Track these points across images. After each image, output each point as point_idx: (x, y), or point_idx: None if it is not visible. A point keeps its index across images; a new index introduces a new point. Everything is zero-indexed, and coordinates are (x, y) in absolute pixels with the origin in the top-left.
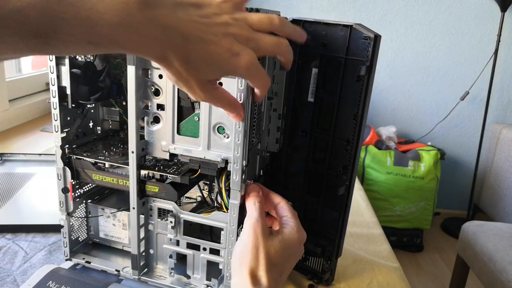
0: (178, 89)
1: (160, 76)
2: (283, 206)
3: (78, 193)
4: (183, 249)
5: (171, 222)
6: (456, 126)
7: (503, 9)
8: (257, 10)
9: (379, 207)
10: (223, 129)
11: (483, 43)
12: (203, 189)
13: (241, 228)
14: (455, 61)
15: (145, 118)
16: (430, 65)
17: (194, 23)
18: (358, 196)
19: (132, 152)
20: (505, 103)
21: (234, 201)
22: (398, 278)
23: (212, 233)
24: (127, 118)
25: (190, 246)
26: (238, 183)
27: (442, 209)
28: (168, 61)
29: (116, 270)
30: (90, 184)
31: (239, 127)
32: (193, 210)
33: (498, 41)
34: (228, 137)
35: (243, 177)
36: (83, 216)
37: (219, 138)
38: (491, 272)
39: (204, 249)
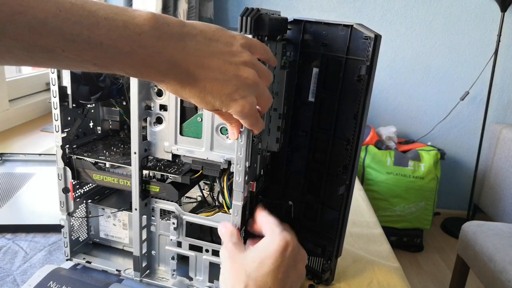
0: None
1: None
2: (265, 219)
3: (79, 193)
4: (185, 251)
5: (173, 223)
6: (456, 126)
7: (503, 9)
8: (258, 10)
9: (379, 207)
10: (226, 129)
11: (483, 43)
12: (203, 189)
13: (244, 230)
14: (455, 61)
15: (148, 118)
16: (430, 65)
17: (211, 57)
18: (358, 196)
19: (135, 153)
20: (505, 103)
21: (237, 203)
22: (398, 278)
23: (212, 233)
24: (127, 118)
25: (192, 247)
26: (241, 184)
27: (442, 209)
28: (168, 85)
29: (117, 270)
30: (90, 184)
31: (242, 128)
32: (194, 210)
33: (498, 41)
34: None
35: (246, 178)
36: (84, 216)
37: (222, 139)
38: (491, 272)
39: (207, 250)
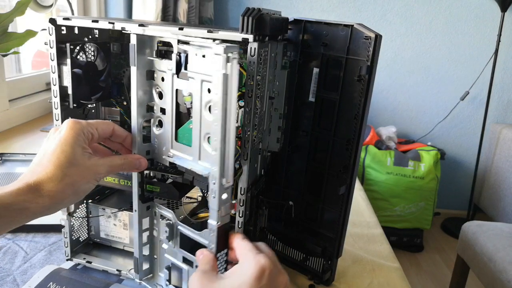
0: (176, 93)
1: (162, 79)
2: (238, 244)
3: None
4: (179, 262)
5: (165, 231)
6: (456, 126)
7: (503, 9)
8: (259, 10)
9: (379, 207)
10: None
11: (483, 43)
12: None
13: (225, 253)
14: (455, 61)
15: (151, 120)
16: (430, 65)
17: None
18: (358, 196)
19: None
20: (505, 103)
21: (212, 222)
22: (398, 278)
23: None
24: (127, 118)
25: (185, 260)
26: (215, 203)
27: (442, 209)
28: None
29: (118, 270)
30: None
31: (215, 139)
32: (194, 210)
33: (498, 41)
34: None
35: (223, 196)
36: (84, 216)
37: (209, 149)
38: (491, 272)
39: (197, 266)
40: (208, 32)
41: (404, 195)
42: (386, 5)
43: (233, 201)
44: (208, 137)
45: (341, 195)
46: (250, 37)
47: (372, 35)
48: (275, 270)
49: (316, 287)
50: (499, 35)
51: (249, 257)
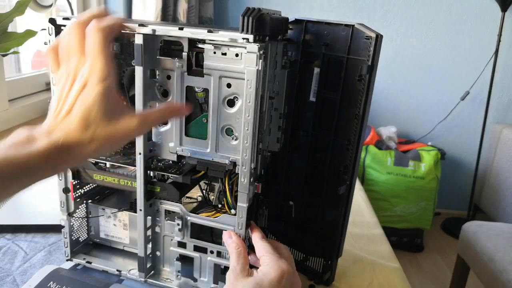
0: (186, 90)
1: (168, 77)
2: (258, 245)
3: (79, 193)
4: (190, 252)
5: (178, 224)
6: (457, 126)
7: (504, 9)
8: (259, 10)
9: (379, 207)
10: (232, 131)
11: (484, 43)
12: (203, 189)
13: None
14: (455, 61)
15: None
16: (431, 65)
17: None
18: (359, 196)
19: (140, 154)
20: (505, 103)
21: (242, 204)
22: (398, 278)
23: (213, 233)
24: None
25: (196, 248)
26: (246, 186)
27: (442, 209)
28: None
29: (118, 270)
30: (91, 184)
31: (247, 130)
32: (194, 210)
33: (499, 41)
34: (236, 139)
35: (251, 179)
36: (84, 216)
37: (227, 140)
38: (492, 272)
39: (211, 252)
40: (208, 32)
41: (405, 195)
42: (386, 5)
43: (256, 183)
44: (226, 129)
45: (341, 195)
46: (250, 37)
47: (373, 35)
48: (292, 274)
49: (316, 287)
50: (499, 35)
51: (272, 260)
